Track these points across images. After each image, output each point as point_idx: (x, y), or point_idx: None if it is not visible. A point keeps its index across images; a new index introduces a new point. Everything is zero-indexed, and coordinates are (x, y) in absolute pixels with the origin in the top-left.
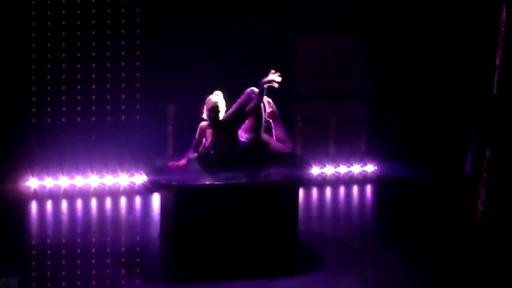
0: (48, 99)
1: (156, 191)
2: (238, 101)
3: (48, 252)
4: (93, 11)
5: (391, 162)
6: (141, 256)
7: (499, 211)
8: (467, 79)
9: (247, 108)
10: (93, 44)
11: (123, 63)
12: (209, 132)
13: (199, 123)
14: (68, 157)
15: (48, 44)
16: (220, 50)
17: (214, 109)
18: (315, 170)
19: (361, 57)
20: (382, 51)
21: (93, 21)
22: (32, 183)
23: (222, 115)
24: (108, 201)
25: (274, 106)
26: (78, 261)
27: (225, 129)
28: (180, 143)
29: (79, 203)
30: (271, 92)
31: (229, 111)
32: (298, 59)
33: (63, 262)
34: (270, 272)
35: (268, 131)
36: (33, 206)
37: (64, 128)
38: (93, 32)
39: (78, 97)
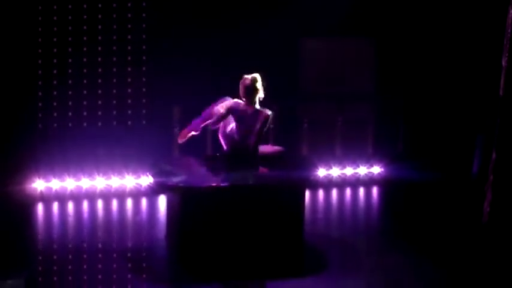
0: (55, 104)
1: (162, 192)
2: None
3: (54, 255)
4: (100, 16)
5: (397, 164)
6: (148, 258)
7: (505, 212)
8: (473, 81)
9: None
10: (100, 49)
11: (129, 68)
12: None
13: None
14: (74, 159)
15: (55, 50)
16: (226, 52)
17: (253, 82)
18: (321, 172)
19: (367, 58)
20: (388, 52)
21: (100, 27)
22: (39, 185)
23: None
24: (115, 203)
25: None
26: (84, 263)
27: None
28: (185, 144)
29: (85, 205)
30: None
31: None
32: (304, 60)
33: (69, 265)
34: (276, 273)
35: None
36: (40, 208)
37: (70, 132)
38: (100, 37)
39: (85, 102)
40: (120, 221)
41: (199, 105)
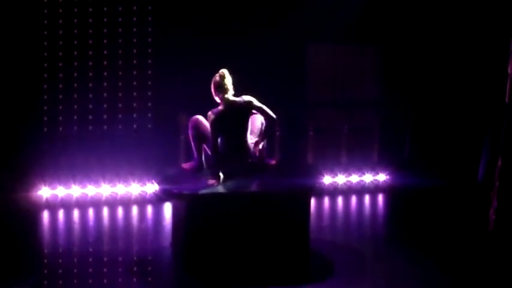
0: (60, 107)
1: (167, 200)
2: None
3: (60, 261)
4: (105, 20)
5: (403, 171)
6: (153, 265)
7: (511, 220)
8: (479, 87)
9: None
10: (105, 52)
11: (134, 72)
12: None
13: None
14: (80, 166)
15: (60, 53)
16: (232, 57)
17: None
18: (326, 179)
19: (373, 65)
20: (394, 59)
21: (105, 30)
22: (44, 192)
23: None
24: (120, 210)
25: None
26: (90, 270)
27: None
28: (191, 152)
29: (91, 212)
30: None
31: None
32: (310, 67)
33: (75, 271)
34: (282, 280)
35: None
36: (45, 215)
37: (76, 136)
38: (105, 41)
39: (90, 106)
40: (126, 229)
41: (206, 111)
